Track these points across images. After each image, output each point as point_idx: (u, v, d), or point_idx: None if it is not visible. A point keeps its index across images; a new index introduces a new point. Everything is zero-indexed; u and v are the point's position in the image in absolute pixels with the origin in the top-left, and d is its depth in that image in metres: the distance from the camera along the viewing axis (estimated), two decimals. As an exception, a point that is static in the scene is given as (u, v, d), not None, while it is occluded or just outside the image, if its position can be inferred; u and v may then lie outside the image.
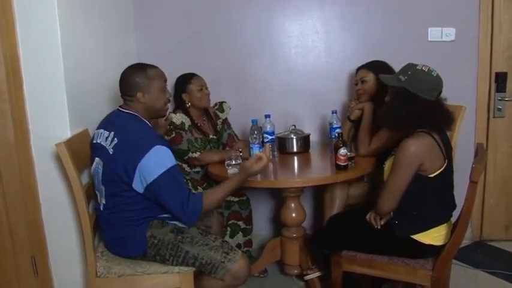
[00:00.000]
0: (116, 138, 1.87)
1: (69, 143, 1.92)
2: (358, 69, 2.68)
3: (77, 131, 2.12)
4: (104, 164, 1.90)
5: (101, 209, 1.97)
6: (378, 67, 2.53)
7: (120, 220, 1.93)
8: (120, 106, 2.02)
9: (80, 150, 2.04)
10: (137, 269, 1.95)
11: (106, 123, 1.99)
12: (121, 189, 1.88)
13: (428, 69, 1.95)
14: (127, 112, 1.97)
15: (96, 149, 1.96)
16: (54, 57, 2.03)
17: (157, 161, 1.80)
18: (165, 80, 2.05)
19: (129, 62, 2.92)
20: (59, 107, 2.07)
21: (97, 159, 1.95)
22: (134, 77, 1.95)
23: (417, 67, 1.96)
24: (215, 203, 1.95)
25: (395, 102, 1.99)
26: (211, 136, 2.72)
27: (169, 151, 1.86)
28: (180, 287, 1.98)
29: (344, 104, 2.99)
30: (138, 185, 1.84)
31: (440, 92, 1.96)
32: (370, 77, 2.55)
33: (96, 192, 2.00)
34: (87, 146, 2.16)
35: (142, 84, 1.95)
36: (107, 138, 1.91)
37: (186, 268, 1.95)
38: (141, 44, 3.07)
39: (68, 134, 2.07)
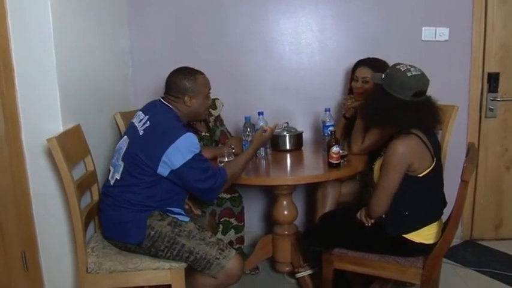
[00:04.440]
0: (148, 122, 1.98)
1: (61, 138, 1.91)
2: (358, 65, 2.61)
3: (69, 126, 2.10)
4: (131, 142, 2.00)
5: (111, 184, 2.01)
6: (381, 67, 2.39)
7: (125, 201, 1.96)
8: (162, 97, 2.11)
9: (72, 146, 2.03)
10: (128, 265, 1.94)
11: (146, 107, 2.11)
12: (141, 171, 1.94)
13: (406, 69, 1.94)
14: (167, 105, 2.07)
15: (129, 128, 2.09)
16: (47, 51, 2.01)
17: (185, 147, 1.90)
18: (210, 88, 2.17)
19: (122, 57, 2.96)
20: (51, 101, 2.06)
21: (125, 136, 2.06)
22: (184, 81, 2.07)
23: (396, 66, 1.99)
24: (239, 171, 2.10)
25: (370, 98, 2.09)
26: (203, 133, 2.71)
27: (195, 138, 1.96)
28: (171, 284, 1.97)
29: (337, 102, 3.00)
30: (162, 170, 1.92)
31: (418, 93, 1.92)
32: None
33: (110, 167, 2.07)
34: (80, 141, 2.16)
35: (192, 89, 2.06)
36: (141, 120, 2.02)
37: (178, 264, 1.95)
38: (134, 39, 3.04)
39: (60, 129, 2.05)
